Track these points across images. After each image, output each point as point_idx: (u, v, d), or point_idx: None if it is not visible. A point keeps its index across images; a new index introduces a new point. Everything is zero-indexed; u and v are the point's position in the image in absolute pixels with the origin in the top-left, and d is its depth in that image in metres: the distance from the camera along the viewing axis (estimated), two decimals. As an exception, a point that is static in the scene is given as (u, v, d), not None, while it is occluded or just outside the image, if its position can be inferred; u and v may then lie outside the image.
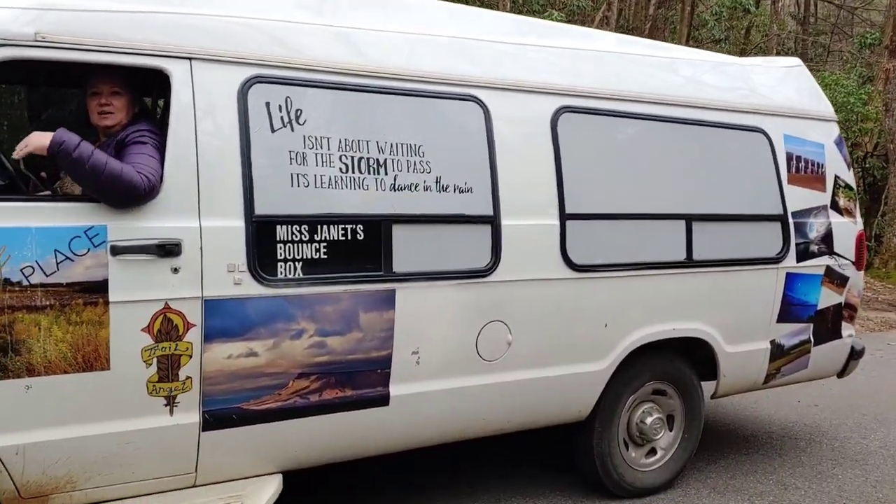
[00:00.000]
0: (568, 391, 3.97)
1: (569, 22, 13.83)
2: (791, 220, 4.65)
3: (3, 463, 2.77)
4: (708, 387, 4.61)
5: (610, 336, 4.03)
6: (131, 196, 2.86)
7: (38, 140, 2.83)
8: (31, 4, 2.86)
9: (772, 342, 4.65)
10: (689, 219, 4.24)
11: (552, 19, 11.87)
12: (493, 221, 3.63)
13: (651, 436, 4.35)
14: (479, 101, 3.65)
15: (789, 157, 4.70)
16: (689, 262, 4.25)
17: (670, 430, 4.47)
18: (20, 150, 2.87)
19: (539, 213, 3.77)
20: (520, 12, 14.70)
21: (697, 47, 14.88)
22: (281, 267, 3.18)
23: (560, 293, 3.84)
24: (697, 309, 4.33)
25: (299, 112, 3.24)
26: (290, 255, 3.20)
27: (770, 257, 4.58)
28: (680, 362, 4.43)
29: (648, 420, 4.33)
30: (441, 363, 3.58)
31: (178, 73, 3.02)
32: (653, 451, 4.43)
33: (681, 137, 4.31)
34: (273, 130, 3.19)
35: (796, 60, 5.19)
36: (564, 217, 3.82)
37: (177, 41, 3.03)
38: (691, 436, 4.52)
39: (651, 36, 15.61)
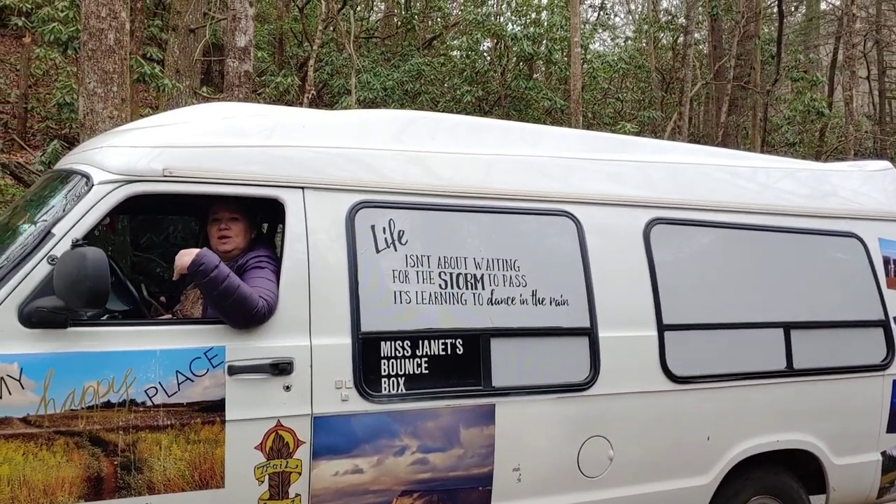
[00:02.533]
0: (672, 508, 3.86)
1: (639, 133, 14.10)
2: (894, 326, 4.52)
3: (121, 581, 2.83)
4: (817, 501, 4.40)
5: (713, 449, 3.93)
6: (254, 318, 3.01)
7: (182, 259, 3.03)
8: (158, 143, 3.13)
9: (883, 453, 4.44)
10: (788, 326, 4.18)
11: (623, 131, 12.11)
12: (590, 333, 3.65)
13: (758, 552, 4.15)
14: (572, 215, 3.75)
15: (886, 261, 4.61)
16: (790, 371, 4.16)
17: (778, 546, 4.26)
18: (177, 273, 3.07)
19: (636, 324, 3.78)
20: (590, 126, 15.08)
21: (771, 152, 14.94)
22: (385, 383, 3.25)
23: (661, 406, 3.79)
24: (801, 419, 4.19)
25: (402, 233, 3.39)
26: (393, 370, 3.28)
27: (874, 364, 4.43)
28: (786, 476, 4.27)
29: (755, 535, 4.15)
30: (543, 480, 3.54)
31: (291, 202, 3.21)
32: (760, 568, 4.22)
33: (774, 245, 4.30)
34: (378, 251, 3.33)
35: (885, 164, 5.17)
36: (662, 328, 3.82)
37: (290, 172, 3.24)
38: (800, 551, 4.29)
39: (723, 144, 15.69)
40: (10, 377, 2.69)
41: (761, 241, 4.27)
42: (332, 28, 15.07)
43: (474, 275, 3.50)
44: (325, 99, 14.83)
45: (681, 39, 18.86)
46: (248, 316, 3.00)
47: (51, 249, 2.81)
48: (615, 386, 3.68)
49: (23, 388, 2.70)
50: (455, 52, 15.90)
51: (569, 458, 3.59)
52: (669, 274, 3.91)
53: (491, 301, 3.51)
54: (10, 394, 2.68)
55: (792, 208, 4.42)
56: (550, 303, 3.62)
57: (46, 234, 2.85)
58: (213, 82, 14.46)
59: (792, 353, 4.17)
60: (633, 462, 3.73)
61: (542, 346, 3.60)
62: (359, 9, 17.12)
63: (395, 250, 3.37)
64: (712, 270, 4.11)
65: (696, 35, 19.40)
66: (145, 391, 2.86)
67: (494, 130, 3.96)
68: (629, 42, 21.55)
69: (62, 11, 8.23)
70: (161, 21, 14.38)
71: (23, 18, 10.74)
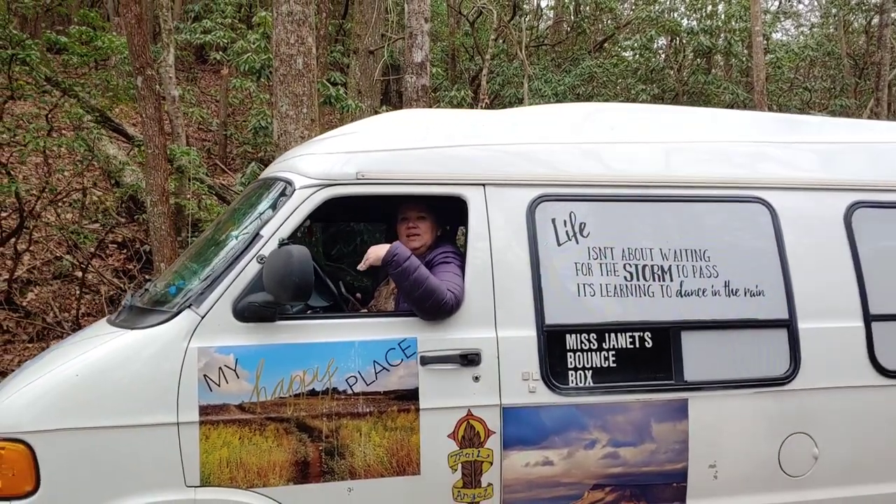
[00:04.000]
0: (889, 513, 3.56)
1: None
2: None
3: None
4: None
5: (934, 451, 3.59)
6: (442, 308, 3.11)
7: (377, 251, 3.20)
8: (351, 149, 3.32)
9: None
10: None
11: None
12: (788, 325, 3.46)
13: None
14: (765, 201, 3.57)
15: None
16: None
17: None
18: (365, 263, 3.25)
19: (840, 314, 3.54)
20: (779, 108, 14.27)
21: None
22: (572, 375, 3.25)
23: (870, 401, 3.51)
24: None
25: (583, 225, 3.38)
26: (579, 363, 3.26)
27: None
28: None
29: None
30: (741, 478, 3.39)
31: (474, 199, 3.29)
32: None
33: None
34: (559, 244, 3.34)
35: None
36: (869, 318, 3.54)
37: (472, 170, 3.32)
38: None
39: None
40: (228, 367, 2.95)
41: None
42: (502, 39, 15.27)
43: (661, 266, 3.42)
44: (498, 109, 15.03)
45: (875, 20, 17.44)
46: (437, 306, 3.10)
47: (259, 249, 3.06)
48: (818, 380, 3.45)
49: (238, 378, 2.95)
50: (627, 52, 15.62)
51: (769, 456, 3.41)
52: (875, 261, 3.62)
53: (680, 293, 3.41)
54: (227, 382, 2.94)
55: None
56: (745, 294, 3.46)
57: (255, 236, 3.10)
58: (391, 101, 15.10)
59: None
60: (842, 462, 3.48)
61: (737, 338, 3.44)
62: (528, 18, 17.24)
63: (577, 243, 3.36)
64: (926, 256, 3.76)
65: (894, 14, 17.86)
66: (346, 380, 3.03)
67: (676, 115, 3.86)
68: (815, 29, 20.21)
69: (254, 42, 8.91)
70: (342, 46, 15.20)
71: (220, 53, 11.73)
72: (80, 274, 7.66)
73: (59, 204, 8.05)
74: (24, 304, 7.42)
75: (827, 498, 3.48)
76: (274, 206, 3.21)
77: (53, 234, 8.17)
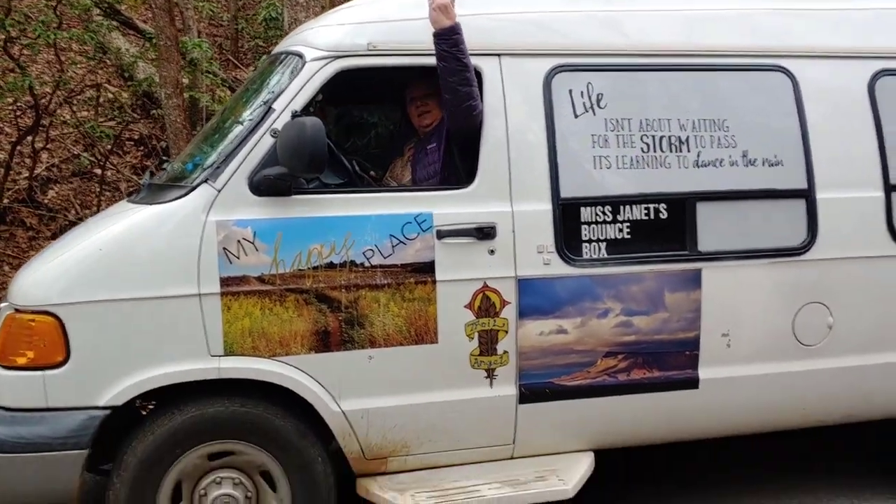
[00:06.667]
0: (900, 381, 3.62)
1: None
2: None
3: (351, 426, 3.12)
4: None
5: (949, 320, 3.61)
6: (473, 115, 3.14)
7: (440, 18, 3.06)
8: (361, 20, 3.26)
9: None
10: None
11: None
12: (807, 195, 3.43)
13: None
14: (786, 70, 3.49)
15: None
16: None
17: None
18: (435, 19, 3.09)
19: (859, 184, 3.51)
20: None
21: None
22: (586, 248, 3.27)
23: (888, 272, 3.52)
24: None
25: (600, 96, 3.33)
26: (594, 235, 3.28)
27: None
28: None
29: None
30: (754, 347, 3.44)
31: (489, 70, 3.24)
32: None
33: None
34: (576, 116, 3.30)
35: None
36: (890, 188, 3.51)
37: (487, 40, 3.26)
38: None
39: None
40: (246, 240, 2.99)
41: None
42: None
43: (679, 137, 3.38)
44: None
45: None
46: (471, 110, 3.12)
47: (272, 123, 3.04)
48: (835, 250, 3.45)
49: (257, 251, 3.00)
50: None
51: (783, 325, 3.45)
52: (899, 129, 3.56)
53: (697, 163, 3.38)
54: (246, 255, 2.99)
55: None
56: (763, 164, 3.43)
57: (268, 110, 3.09)
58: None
59: None
60: (857, 331, 3.52)
61: (754, 209, 3.44)
62: None
63: (594, 114, 3.32)
64: (952, 124, 3.68)
65: None
66: (363, 253, 3.07)
67: None
68: None
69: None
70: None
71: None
72: (98, 171, 7.70)
73: (74, 101, 8.01)
74: (46, 201, 7.50)
75: (841, 366, 3.53)
76: (286, 80, 3.19)
77: (70, 132, 8.17)
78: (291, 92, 3.10)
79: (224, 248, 2.97)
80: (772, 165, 3.42)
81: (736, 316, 3.41)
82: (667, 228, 3.34)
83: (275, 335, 3.03)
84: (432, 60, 3.20)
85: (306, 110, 3.13)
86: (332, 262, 3.05)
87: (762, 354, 3.46)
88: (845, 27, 3.68)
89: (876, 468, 4.22)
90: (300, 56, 3.21)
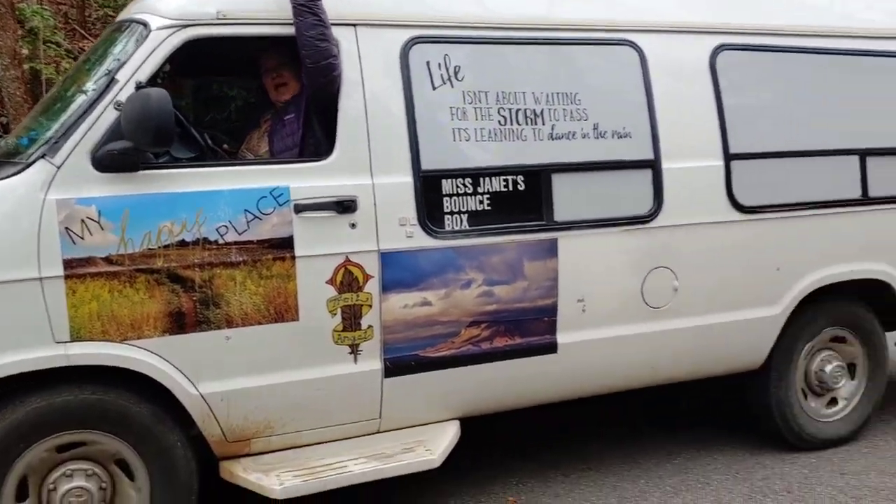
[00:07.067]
0: (740, 338, 3.87)
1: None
2: (978, 150, 4.30)
3: (210, 409, 3.03)
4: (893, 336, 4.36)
5: (782, 280, 3.89)
6: (334, 66, 3.08)
7: None
8: (211, -13, 3.11)
9: (962, 283, 4.32)
10: (864, 154, 4.03)
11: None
12: (653, 165, 3.59)
13: (831, 384, 4.16)
14: (633, 44, 3.62)
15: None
16: (865, 200, 4.03)
17: (852, 379, 4.25)
18: None
19: (701, 154, 3.70)
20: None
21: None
22: (448, 220, 3.29)
23: (727, 236, 3.75)
24: (876, 249, 4.09)
25: (458, 69, 3.34)
26: (456, 207, 3.31)
27: (956, 191, 4.25)
28: (860, 307, 4.22)
29: (827, 368, 4.14)
30: (607, 311, 3.59)
31: (345, 41, 3.18)
32: (834, 402, 4.24)
33: (846, 70, 4.09)
34: (434, 88, 3.31)
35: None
36: (729, 157, 3.73)
37: (343, 10, 3.20)
38: (875, 385, 4.28)
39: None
40: (90, 219, 2.82)
41: (834, 67, 4.06)
42: None
43: (534, 110, 3.45)
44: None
45: None
46: (331, 65, 3.07)
47: (116, 95, 2.87)
48: (679, 217, 3.64)
49: (102, 230, 2.83)
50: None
51: (633, 290, 3.61)
52: (737, 102, 3.78)
53: (552, 136, 3.47)
54: (91, 235, 2.82)
55: (866, 30, 4.17)
56: (613, 136, 3.56)
57: (111, 81, 2.91)
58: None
59: (867, 181, 4.03)
60: (699, 293, 3.73)
61: (605, 179, 3.57)
62: None
63: (452, 87, 3.34)
64: (783, 97, 3.95)
65: None
66: (216, 230, 2.97)
67: None
68: None
69: None
70: None
71: None
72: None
73: None
74: None
75: (686, 326, 3.74)
76: (130, 49, 3.01)
77: None
78: (136, 62, 2.93)
79: (66, 229, 2.79)
80: (621, 137, 3.55)
81: (590, 282, 3.53)
82: (525, 200, 3.42)
83: (126, 318, 2.88)
84: (286, 30, 3.11)
85: (153, 81, 2.97)
86: (183, 240, 2.93)
87: (615, 318, 3.61)
88: (691, 3, 3.87)
89: (722, 424, 4.52)
90: (145, 24, 3.04)
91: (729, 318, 3.81)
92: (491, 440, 4.26)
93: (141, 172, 2.89)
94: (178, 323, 2.95)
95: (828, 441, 4.18)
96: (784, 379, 4.04)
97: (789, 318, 3.95)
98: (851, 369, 4.26)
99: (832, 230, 3.97)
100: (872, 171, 4.03)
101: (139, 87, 2.80)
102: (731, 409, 4.50)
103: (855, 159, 4.02)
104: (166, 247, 2.91)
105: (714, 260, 3.73)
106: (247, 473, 3.11)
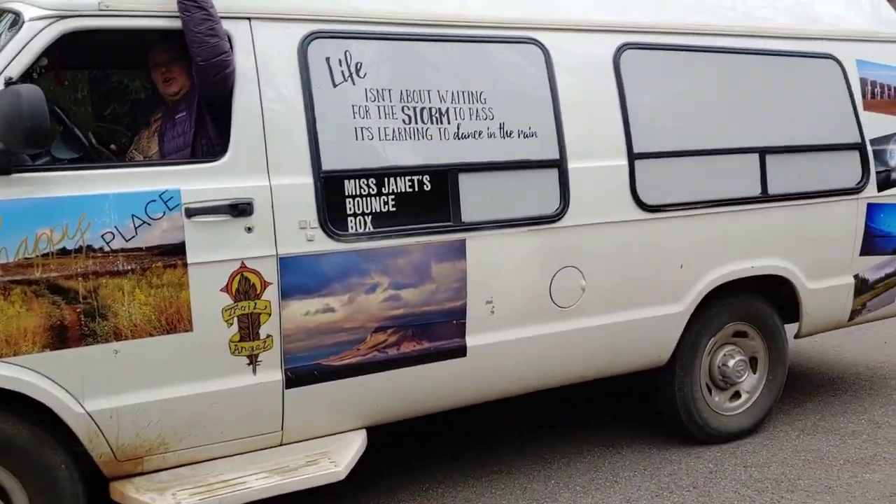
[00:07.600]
0: (646, 335, 3.90)
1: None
2: (870, 148, 4.46)
3: (98, 427, 2.84)
4: (791, 329, 4.48)
5: (686, 277, 3.94)
6: (226, 63, 2.93)
7: None
8: (92, -24, 2.90)
9: (856, 277, 4.48)
10: (763, 152, 4.11)
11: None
12: (559, 165, 3.57)
13: (734, 379, 4.25)
14: (539, 43, 3.58)
15: (864, 83, 4.49)
16: (765, 197, 4.12)
17: (754, 373, 4.35)
18: None
19: (606, 154, 3.69)
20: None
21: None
22: (351, 222, 3.18)
23: (632, 235, 3.76)
24: (775, 245, 4.19)
25: (359, 65, 3.23)
26: (359, 209, 3.20)
27: (849, 188, 4.40)
28: (760, 302, 4.31)
29: (731, 363, 4.22)
30: (516, 312, 3.55)
31: (239, 35, 3.03)
32: (737, 395, 4.33)
33: (747, 69, 4.17)
34: (335, 85, 3.18)
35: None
36: (633, 157, 3.73)
37: (236, 2, 3.04)
38: (776, 378, 4.39)
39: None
40: (-43, 227, 2.59)
41: (736, 65, 4.13)
42: None
43: (439, 108, 3.36)
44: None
45: None
46: (223, 62, 2.92)
47: (-16, 92, 2.64)
48: (585, 217, 3.62)
49: (-29, 238, 2.61)
50: None
51: (541, 290, 3.58)
52: (640, 101, 3.79)
53: (458, 135, 3.39)
54: (-42, 244, 2.59)
55: (767, 29, 4.26)
56: (519, 135, 3.51)
57: (-22, 77, 2.68)
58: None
59: (767, 179, 4.11)
60: (606, 291, 3.73)
61: (512, 179, 3.52)
62: None
63: (354, 84, 3.22)
64: (686, 97, 3.99)
65: None
66: (101, 236, 2.77)
67: None
68: None
69: None
70: None
71: None
72: None
73: None
74: None
75: (593, 325, 3.74)
76: (0, 42, 2.78)
77: None
78: (7, 56, 2.70)
79: (-71, 238, 2.55)
80: (527, 137, 3.51)
81: (499, 283, 3.48)
82: (431, 200, 3.33)
83: (0, 333, 2.66)
84: (176, 23, 2.93)
85: (27, 76, 2.76)
86: (65, 248, 2.72)
87: (524, 318, 3.57)
88: (596, 1, 3.85)
89: (630, 419, 4.56)
90: (17, 14, 2.81)
91: (635, 316, 3.83)
92: (398, 446, 4.17)
93: (15, 175, 2.67)
94: (61, 337, 2.74)
95: (731, 434, 4.26)
96: (688, 374, 4.09)
97: (693, 315, 4.01)
98: (753, 363, 4.36)
99: (733, 227, 4.04)
100: (772, 168, 4.12)
101: (9, 83, 2.59)
102: (639, 407, 4.54)
103: (755, 157, 4.09)
104: (45, 255, 2.70)
105: (620, 259, 3.74)
106: (140, 493, 2.93)
